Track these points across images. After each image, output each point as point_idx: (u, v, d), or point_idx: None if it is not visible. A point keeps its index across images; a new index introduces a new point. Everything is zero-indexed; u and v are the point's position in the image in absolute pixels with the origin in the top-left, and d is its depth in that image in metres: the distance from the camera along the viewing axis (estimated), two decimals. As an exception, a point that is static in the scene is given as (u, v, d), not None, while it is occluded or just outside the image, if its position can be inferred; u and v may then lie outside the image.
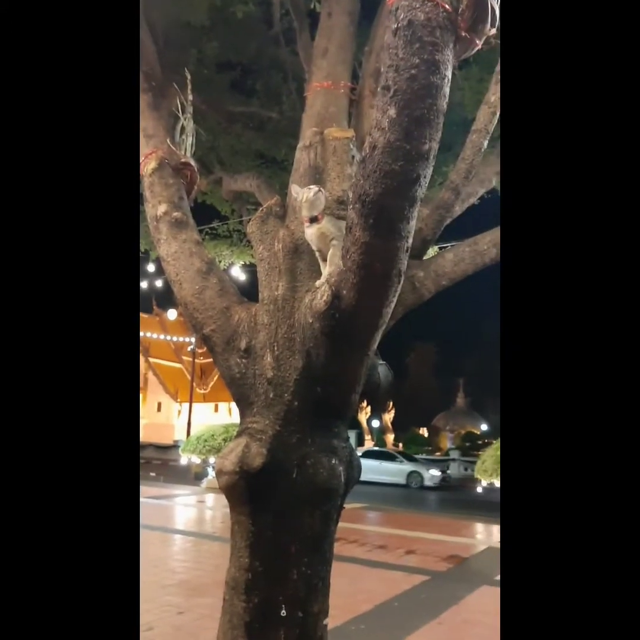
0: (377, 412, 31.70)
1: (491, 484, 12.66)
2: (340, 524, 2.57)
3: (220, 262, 8.55)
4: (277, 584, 2.30)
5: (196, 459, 16.95)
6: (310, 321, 2.20)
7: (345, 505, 2.57)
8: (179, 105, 3.17)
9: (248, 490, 2.34)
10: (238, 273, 9.34)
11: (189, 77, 3.11)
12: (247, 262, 8.57)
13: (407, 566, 8.33)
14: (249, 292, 3.03)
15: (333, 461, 2.34)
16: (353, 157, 2.53)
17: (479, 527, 12.41)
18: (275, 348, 2.35)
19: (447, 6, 1.74)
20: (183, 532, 10.41)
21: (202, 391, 39.42)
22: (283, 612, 2.27)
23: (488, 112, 2.75)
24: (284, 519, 2.35)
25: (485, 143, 2.79)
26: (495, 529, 12.01)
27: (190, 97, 3.10)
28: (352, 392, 2.34)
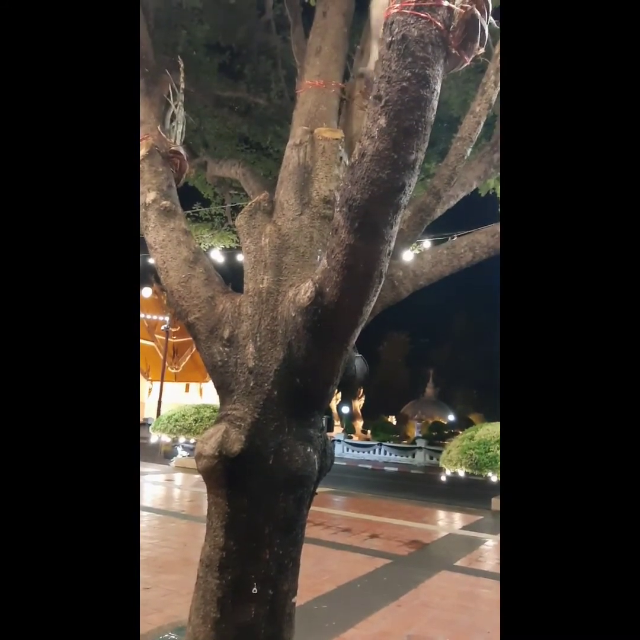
0: (347, 399, 32.01)
1: (455, 473, 12.97)
2: (308, 508, 2.68)
3: (200, 244, 8.57)
4: (250, 563, 2.41)
5: (166, 438, 16.98)
6: (293, 315, 2.30)
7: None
8: (171, 92, 3.20)
9: (226, 474, 2.43)
10: (217, 256, 9.35)
11: (182, 65, 3.14)
12: (228, 246, 8.60)
13: (370, 549, 8.54)
14: (228, 276, 3.10)
15: (308, 449, 2.45)
16: (341, 158, 2.62)
17: (441, 514, 12.73)
18: (258, 339, 2.44)
19: (439, 24, 1.82)
20: (151, 509, 10.48)
21: (174, 371, 39.26)
22: (254, 590, 2.38)
23: (473, 122, 2.85)
24: (259, 502, 2.45)
25: (468, 151, 2.90)
26: (457, 516, 12.34)
27: (182, 85, 3.13)
28: (330, 384, 2.44)
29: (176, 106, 3.09)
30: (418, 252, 8.61)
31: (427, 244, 10.30)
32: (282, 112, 5.74)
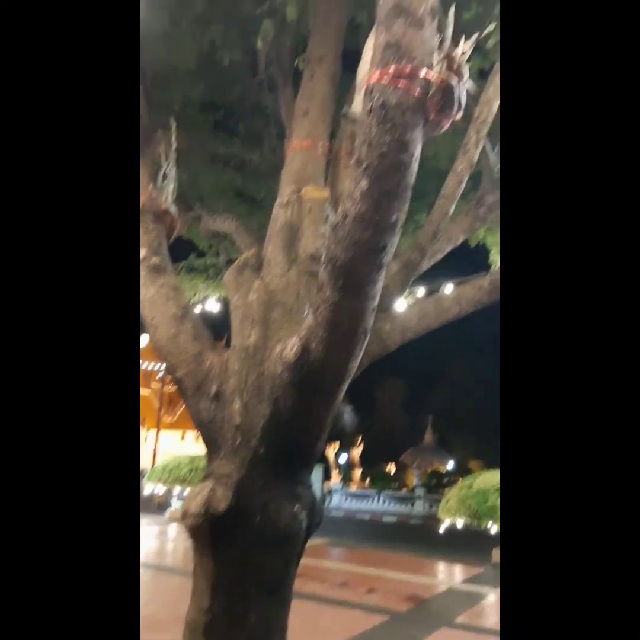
0: (345, 447, 31.69)
1: (454, 523, 12.72)
2: (303, 560, 2.63)
3: (195, 295, 8.63)
4: (236, 627, 2.35)
5: (160, 489, 16.68)
6: (280, 371, 2.31)
7: (308, 541, 2.63)
8: (163, 152, 3.29)
9: (212, 533, 2.40)
10: (212, 306, 9.41)
11: (174, 126, 3.24)
12: (222, 296, 8.67)
13: (367, 605, 8.30)
14: (222, 325, 3.12)
15: (296, 507, 2.42)
16: (327, 216, 2.68)
17: (441, 567, 12.42)
18: (245, 394, 2.44)
19: (417, 92, 1.90)
20: (143, 564, 10.22)
21: (170, 418, 38.90)
22: (240, 656, 2.31)
23: (455, 180, 2.94)
24: (246, 561, 2.41)
25: (452, 208, 2.97)
26: (457, 569, 12.04)
27: (174, 145, 3.23)
28: (317, 441, 2.43)
29: (168, 165, 3.18)
30: (411, 301, 8.69)
31: (421, 291, 10.38)
32: (275, 167, 5.86)
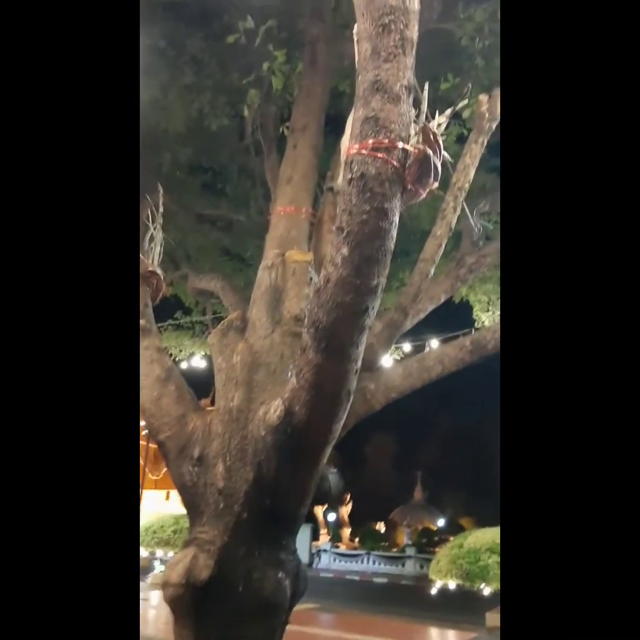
0: (333, 506, 31.00)
1: (446, 584, 12.37)
2: (290, 627, 2.54)
3: (181, 351, 8.61)
4: None
5: (143, 552, 16.13)
6: (263, 434, 2.29)
7: (297, 607, 2.56)
8: (150, 215, 3.36)
9: (193, 603, 2.32)
10: (197, 362, 9.38)
11: (161, 191, 3.32)
12: (208, 353, 8.66)
13: (357, 676, 7.96)
14: (209, 381, 3.10)
15: (279, 574, 2.36)
16: (311, 278, 2.73)
17: (433, 632, 12.00)
18: (228, 458, 2.42)
19: (395, 163, 1.98)
20: (122, 634, 9.76)
21: (155, 477, 38.02)
22: None
23: (434, 244, 3.02)
24: (228, 633, 2.33)
25: (432, 271, 3.04)
26: (450, 634, 11.63)
27: (161, 209, 3.29)
28: (301, 505, 2.40)
29: (154, 228, 3.23)
30: (397, 357, 8.72)
31: (407, 347, 10.43)
32: (261, 227, 5.99)
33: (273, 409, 2.26)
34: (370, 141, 1.94)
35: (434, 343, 9.73)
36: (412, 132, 2.08)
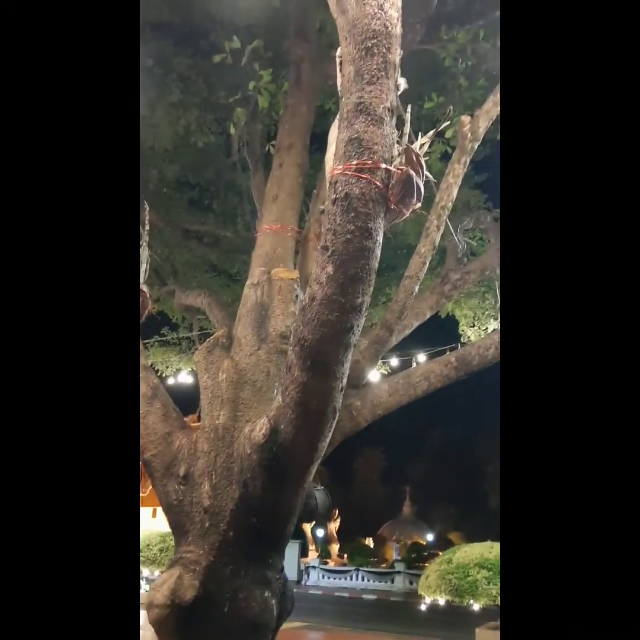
0: (321, 521, 30.78)
1: (435, 600, 12.28)
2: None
3: (167, 368, 8.57)
4: None
5: (128, 571, 15.87)
6: (249, 452, 2.29)
7: (285, 625, 2.54)
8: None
9: (178, 625, 2.30)
10: (184, 378, 9.33)
11: (147, 208, 3.33)
12: (194, 369, 8.62)
13: (346, 695, 7.86)
14: (196, 396, 3.08)
15: (265, 594, 2.35)
16: (296, 296, 2.75)
17: (423, 650, 11.90)
18: (213, 476, 2.41)
19: (378, 183, 2.01)
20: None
21: (142, 494, 37.56)
22: None
23: (419, 262, 3.06)
24: (213, 654, 2.30)
25: (417, 288, 3.07)
26: (440, 652, 11.54)
27: (146, 227, 3.30)
28: (288, 523, 2.39)
29: (141, 246, 3.23)
30: (385, 371, 8.73)
31: (394, 362, 10.44)
32: (248, 243, 6.01)
33: (259, 427, 2.26)
34: (354, 162, 1.97)
35: (421, 358, 9.76)
36: (396, 152, 2.11)
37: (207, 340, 2.72)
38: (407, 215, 2.14)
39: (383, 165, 2.00)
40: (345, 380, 2.15)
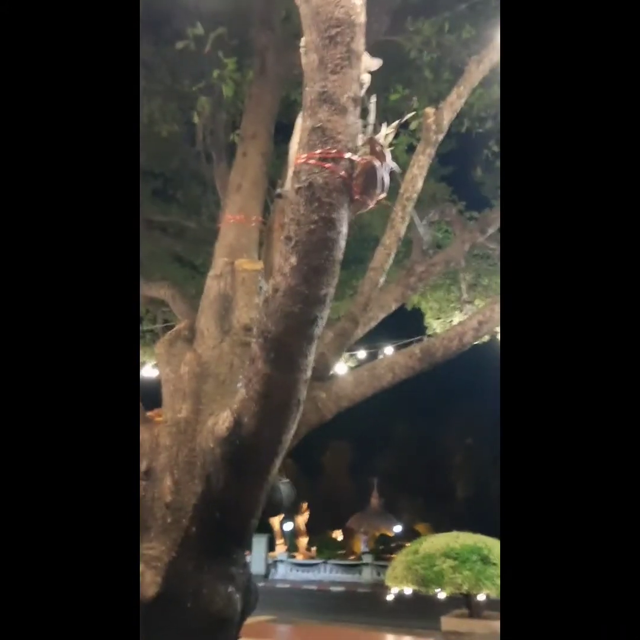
0: (290, 515, 30.81)
1: (402, 591, 12.42)
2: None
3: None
4: None
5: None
6: (212, 446, 2.26)
7: (252, 618, 2.52)
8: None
9: (141, 621, 2.25)
10: (148, 372, 9.19)
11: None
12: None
13: (314, 687, 7.90)
14: (159, 390, 3.02)
15: (229, 589, 2.32)
16: (260, 287, 2.71)
17: (389, 639, 12.04)
18: (175, 472, 2.37)
19: (342, 173, 1.99)
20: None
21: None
22: None
23: (383, 253, 3.05)
24: (176, 651, 2.27)
25: (382, 280, 3.07)
26: (406, 640, 11.69)
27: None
28: (252, 518, 2.37)
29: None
30: (352, 364, 8.75)
31: (362, 354, 10.47)
32: (213, 234, 5.93)
33: (222, 421, 2.23)
34: (318, 151, 1.95)
35: (388, 350, 9.81)
36: (360, 142, 2.09)
37: (169, 332, 2.67)
38: (372, 206, 2.12)
39: (347, 155, 1.98)
40: (309, 373, 2.13)
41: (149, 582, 2.25)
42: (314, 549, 29.48)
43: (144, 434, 2.52)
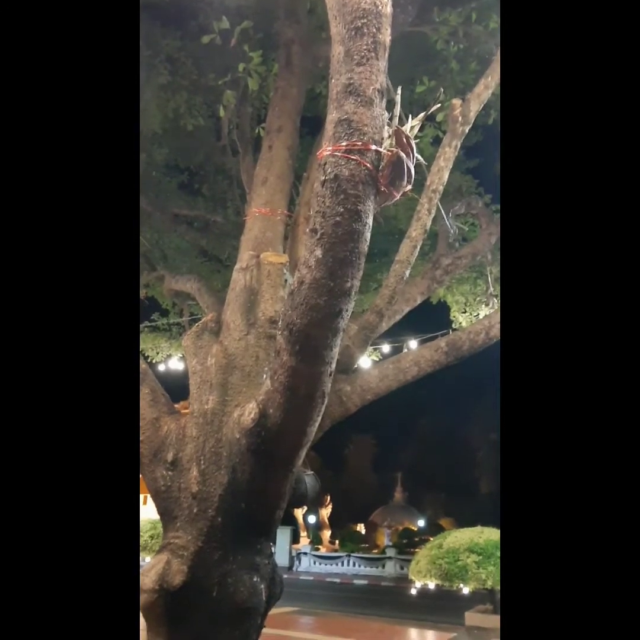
0: (314, 507, 30.94)
1: (425, 585, 12.40)
2: (270, 631, 2.52)
3: (158, 354, 8.54)
4: None
5: (120, 557, 15.91)
6: (237, 437, 2.28)
7: (276, 610, 2.54)
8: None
9: (167, 610, 2.29)
10: (175, 364, 9.30)
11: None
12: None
13: (337, 678, 7.94)
14: (187, 382, 3.05)
15: (254, 579, 2.34)
16: (286, 280, 2.72)
17: (413, 633, 12.03)
18: (202, 462, 2.39)
19: (368, 165, 1.98)
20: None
21: (132, 481, 37.47)
22: None
23: (409, 246, 3.03)
24: (202, 639, 2.30)
25: (407, 273, 3.05)
26: (429, 635, 11.68)
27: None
28: (277, 509, 2.38)
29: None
30: (376, 358, 8.73)
31: (386, 348, 10.44)
32: (239, 228, 5.96)
33: (247, 412, 2.24)
34: (344, 143, 1.94)
35: (413, 344, 9.76)
36: (386, 134, 2.08)
37: (196, 325, 2.70)
38: (398, 197, 2.11)
39: (373, 147, 1.96)
40: (334, 365, 2.13)
41: (176, 570, 2.28)
42: (337, 542, 29.61)
43: (171, 425, 2.55)
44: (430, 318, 7.39)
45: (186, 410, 3.07)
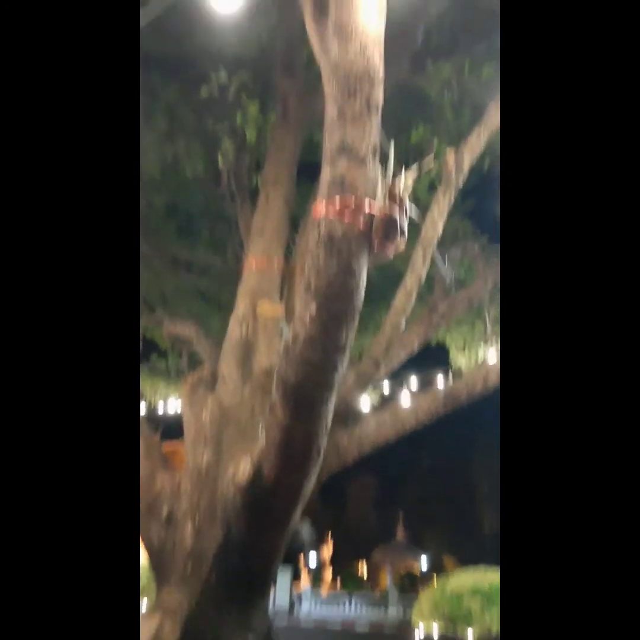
0: (312, 549, 30.35)
1: (429, 633, 12.07)
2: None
3: (156, 394, 8.48)
4: None
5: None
6: (232, 494, 2.25)
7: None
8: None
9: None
10: (174, 406, 9.22)
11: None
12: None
13: None
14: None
15: (249, 638, 2.28)
16: (282, 329, 2.72)
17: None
18: (197, 518, 2.36)
19: (361, 224, 2.00)
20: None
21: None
22: None
23: (405, 295, 3.04)
24: None
25: (403, 322, 3.06)
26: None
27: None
28: (272, 565, 2.34)
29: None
30: (375, 397, 8.67)
31: (385, 386, 10.35)
32: (238, 273, 5.98)
33: (242, 469, 2.22)
34: (337, 203, 1.97)
35: (413, 380, 9.69)
36: (379, 191, 2.10)
37: (191, 376, 2.69)
38: (391, 254, 2.13)
39: (366, 206, 1.99)
40: (330, 419, 2.12)
41: (168, 632, 2.23)
42: (338, 581, 28.92)
43: (165, 480, 2.52)
44: (429, 356, 7.36)
45: (170, 449, 3.04)
